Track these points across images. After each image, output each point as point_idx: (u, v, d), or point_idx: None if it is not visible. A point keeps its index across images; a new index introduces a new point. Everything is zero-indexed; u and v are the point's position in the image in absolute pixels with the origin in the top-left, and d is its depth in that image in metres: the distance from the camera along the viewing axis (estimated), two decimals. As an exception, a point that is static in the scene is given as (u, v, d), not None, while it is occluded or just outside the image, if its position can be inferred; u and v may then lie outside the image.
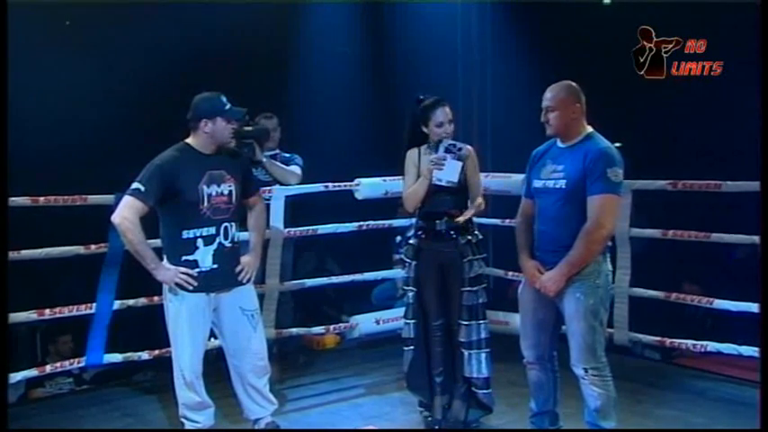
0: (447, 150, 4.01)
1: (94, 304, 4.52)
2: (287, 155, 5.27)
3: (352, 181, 5.25)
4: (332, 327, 5.57)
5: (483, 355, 4.08)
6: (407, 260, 4.19)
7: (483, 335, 4.09)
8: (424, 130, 4.12)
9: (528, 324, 3.84)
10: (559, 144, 3.72)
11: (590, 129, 3.68)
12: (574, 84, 3.70)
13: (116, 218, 3.69)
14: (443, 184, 4.02)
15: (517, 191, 4.86)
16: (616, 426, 3.70)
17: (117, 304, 4.58)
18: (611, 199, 3.55)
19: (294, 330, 5.27)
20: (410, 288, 4.18)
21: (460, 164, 4.02)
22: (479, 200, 4.10)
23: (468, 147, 4.12)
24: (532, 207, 3.80)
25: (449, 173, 4.01)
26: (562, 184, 3.62)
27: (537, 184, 3.74)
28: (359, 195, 5.24)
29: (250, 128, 4.81)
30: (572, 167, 3.60)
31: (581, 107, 3.65)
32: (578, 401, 3.79)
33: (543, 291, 3.64)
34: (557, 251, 3.62)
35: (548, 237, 3.69)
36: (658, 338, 4.92)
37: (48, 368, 4.62)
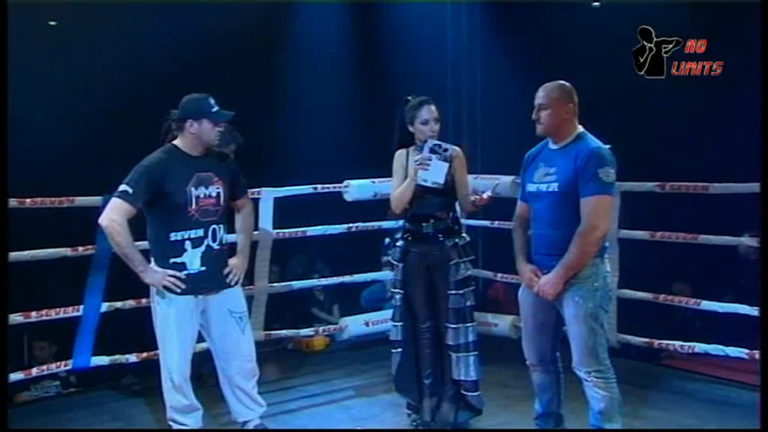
0: (432, 151, 3.95)
1: (82, 307, 4.49)
2: None
3: (341, 182, 5.24)
4: (321, 328, 5.57)
5: (471, 359, 4.06)
6: (395, 262, 4.17)
7: (471, 338, 4.07)
8: (410, 129, 4.09)
9: (528, 326, 3.82)
10: (551, 145, 3.68)
11: (581, 128, 3.65)
12: (567, 84, 3.66)
13: (103, 220, 3.67)
14: (429, 185, 3.96)
15: (506, 193, 4.86)
16: (621, 427, 3.68)
17: (104, 306, 4.56)
18: (603, 200, 3.52)
19: (283, 332, 5.26)
20: (398, 290, 4.17)
21: (446, 165, 3.97)
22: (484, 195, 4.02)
23: (456, 147, 4.07)
24: (527, 210, 3.77)
25: (434, 174, 3.94)
26: (554, 187, 3.59)
27: (530, 188, 3.72)
28: (348, 197, 5.22)
29: None
30: (564, 169, 3.57)
31: (573, 107, 3.62)
32: (576, 403, 3.79)
33: (542, 294, 3.63)
34: (553, 255, 3.60)
35: (543, 240, 3.67)
36: (646, 340, 4.93)
37: (34, 371, 4.58)
